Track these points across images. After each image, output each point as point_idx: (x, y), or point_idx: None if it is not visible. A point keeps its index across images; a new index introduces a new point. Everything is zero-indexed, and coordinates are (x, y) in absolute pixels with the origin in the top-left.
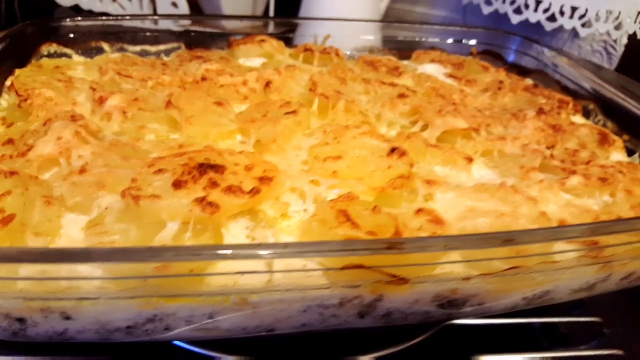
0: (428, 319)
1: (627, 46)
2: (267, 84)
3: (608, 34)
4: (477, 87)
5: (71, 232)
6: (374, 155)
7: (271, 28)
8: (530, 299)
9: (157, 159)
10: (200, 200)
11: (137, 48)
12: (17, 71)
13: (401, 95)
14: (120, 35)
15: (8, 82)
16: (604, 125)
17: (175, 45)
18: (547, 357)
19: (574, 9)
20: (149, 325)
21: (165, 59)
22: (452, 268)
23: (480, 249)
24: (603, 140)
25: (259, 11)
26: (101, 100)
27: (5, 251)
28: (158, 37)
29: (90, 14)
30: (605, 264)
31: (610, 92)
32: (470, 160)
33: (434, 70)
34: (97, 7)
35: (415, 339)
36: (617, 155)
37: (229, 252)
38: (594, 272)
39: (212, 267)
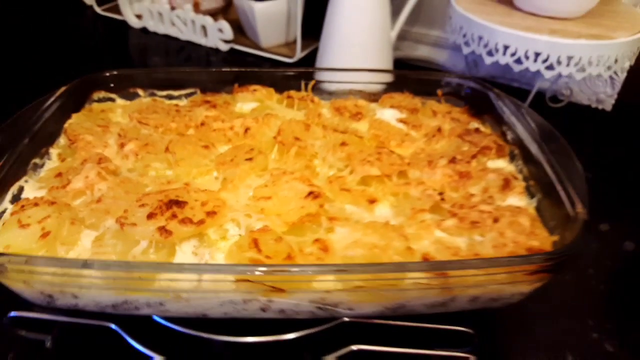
0: (317, 316)
1: (629, 72)
2: (246, 130)
3: (570, 75)
4: (421, 132)
5: (85, 243)
6: (296, 196)
7: (299, 52)
8: (392, 309)
9: (145, 195)
10: (160, 228)
11: (164, 93)
12: (73, 115)
13: (342, 144)
14: (151, 82)
15: (66, 125)
16: (521, 170)
17: (192, 90)
18: (416, 353)
19: (537, 54)
20: (125, 305)
21: (184, 101)
22: (313, 284)
23: (326, 275)
24: (505, 186)
25: (292, 36)
26: (122, 145)
27: (39, 259)
28: (182, 84)
29: (155, 35)
30: (442, 290)
31: (529, 140)
32: (373, 202)
33: (390, 115)
34: (161, 30)
35: (313, 329)
36: (514, 199)
37: (157, 267)
38: (436, 294)
39: (155, 276)
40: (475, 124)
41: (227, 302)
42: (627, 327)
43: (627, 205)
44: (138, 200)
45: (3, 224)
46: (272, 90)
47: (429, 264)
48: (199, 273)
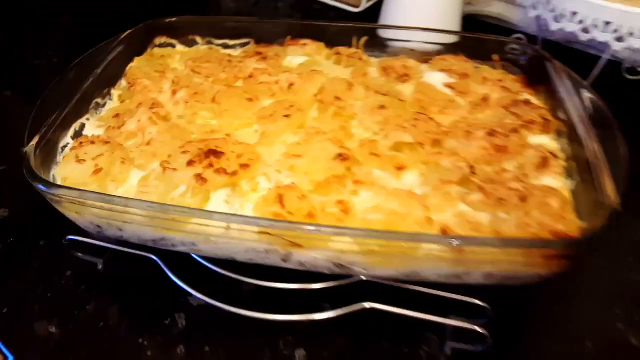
0: (334, 272)
1: None
2: (290, 85)
3: None
4: (467, 99)
5: (132, 181)
6: (326, 157)
7: (364, 2)
8: (405, 274)
9: (188, 142)
10: (197, 175)
11: (220, 41)
12: (135, 59)
13: (381, 106)
14: (209, 30)
15: (127, 68)
16: (564, 150)
17: (247, 40)
18: (429, 320)
19: (607, 23)
20: (162, 242)
21: (238, 51)
22: (329, 243)
23: (339, 236)
24: (542, 164)
25: None
26: (174, 92)
27: (89, 194)
28: (238, 33)
29: None
30: (455, 262)
31: (577, 119)
32: (400, 168)
33: (437, 79)
34: None
35: (332, 282)
36: (549, 179)
37: (188, 212)
38: (448, 266)
39: (187, 219)
40: (526, 95)
41: (251, 249)
42: None
43: None
44: (181, 147)
45: (64, 157)
46: (321, 44)
47: (438, 237)
48: (225, 222)
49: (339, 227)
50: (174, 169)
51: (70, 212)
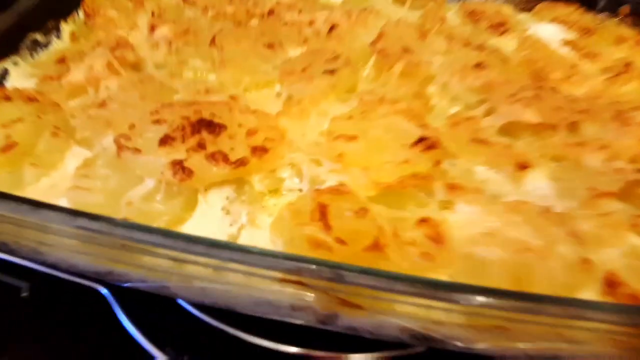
0: (406, 342)
1: None
2: (331, 28)
3: None
4: (599, 65)
5: (69, 166)
6: (397, 142)
7: None
8: (531, 355)
9: (165, 105)
10: (176, 163)
11: None
12: None
13: (478, 65)
14: None
15: None
16: None
17: None
18: None
19: None
20: (110, 276)
21: None
22: (415, 309)
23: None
24: None
25: None
26: (152, 29)
27: None
28: None
29: None
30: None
31: None
32: (523, 167)
33: (551, 32)
34: None
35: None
36: None
37: (148, 235)
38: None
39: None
40: None
41: (265, 303)
42: None
43: None
44: (154, 113)
45: None
46: None
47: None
48: (216, 258)
49: (438, 283)
50: (137, 149)
51: None
